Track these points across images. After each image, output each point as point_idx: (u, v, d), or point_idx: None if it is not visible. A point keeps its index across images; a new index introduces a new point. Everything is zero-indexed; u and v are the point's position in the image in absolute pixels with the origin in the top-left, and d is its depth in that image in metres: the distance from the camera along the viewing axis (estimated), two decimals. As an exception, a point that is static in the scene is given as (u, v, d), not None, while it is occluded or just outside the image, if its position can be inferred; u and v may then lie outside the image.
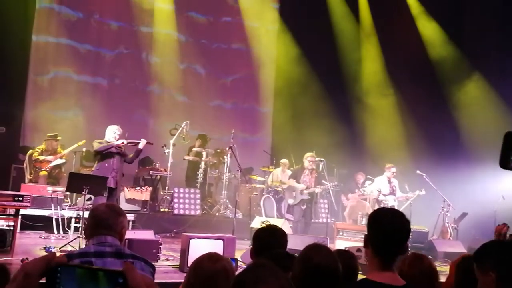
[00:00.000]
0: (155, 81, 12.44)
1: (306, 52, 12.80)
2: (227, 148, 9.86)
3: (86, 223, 5.73)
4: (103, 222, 2.42)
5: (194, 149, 10.99)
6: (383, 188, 9.52)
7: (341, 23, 13.23)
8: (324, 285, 2.13)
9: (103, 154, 7.41)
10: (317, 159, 8.90)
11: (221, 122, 12.46)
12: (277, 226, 3.27)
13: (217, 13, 13.26)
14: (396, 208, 8.84)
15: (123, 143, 7.50)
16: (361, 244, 5.89)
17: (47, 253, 0.90)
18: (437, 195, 9.54)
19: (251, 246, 3.22)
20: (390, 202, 9.32)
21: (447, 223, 9.61)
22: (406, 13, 12.67)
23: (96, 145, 7.42)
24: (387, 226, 2.09)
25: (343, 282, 2.26)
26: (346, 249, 4.19)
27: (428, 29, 12.59)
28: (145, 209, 9.42)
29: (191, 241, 5.82)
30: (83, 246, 5.85)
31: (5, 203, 5.99)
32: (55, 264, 0.85)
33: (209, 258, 2.22)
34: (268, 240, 2.88)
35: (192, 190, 10.06)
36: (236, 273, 1.77)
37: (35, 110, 10.99)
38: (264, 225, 5.44)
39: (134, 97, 12.14)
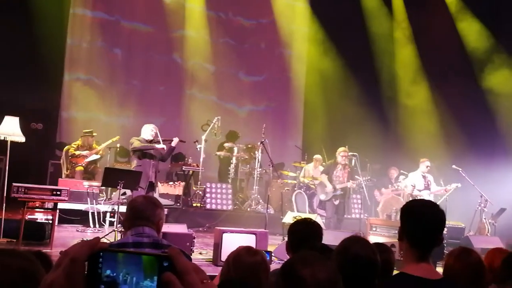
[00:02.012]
0: (185, 81, 12.56)
1: (337, 46, 12.66)
2: (259, 143, 9.86)
3: (121, 216, 5.85)
4: (141, 214, 2.45)
5: (226, 145, 11.03)
6: (418, 183, 9.32)
7: (374, 15, 13.04)
8: (363, 276, 2.10)
9: (143, 152, 7.61)
10: (350, 153, 8.77)
11: (252, 118, 12.46)
12: (311, 218, 3.23)
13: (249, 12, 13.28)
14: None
15: (163, 148, 7.72)
16: (394, 240, 5.79)
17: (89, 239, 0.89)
18: (474, 190, 9.28)
19: (286, 240, 3.19)
20: (425, 197, 9.10)
21: (485, 218, 9.35)
22: (440, 4, 12.37)
23: (137, 143, 7.57)
24: (423, 217, 2.06)
25: (380, 276, 2.22)
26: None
27: (463, 19, 12.25)
28: (178, 204, 9.54)
29: (224, 235, 5.85)
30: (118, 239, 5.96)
31: (44, 197, 6.15)
32: (98, 249, 0.84)
33: (247, 251, 2.23)
34: (304, 232, 2.85)
35: (224, 185, 10.11)
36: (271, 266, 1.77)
37: (70, 108, 11.26)
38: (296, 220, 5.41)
39: (166, 95, 12.29)
